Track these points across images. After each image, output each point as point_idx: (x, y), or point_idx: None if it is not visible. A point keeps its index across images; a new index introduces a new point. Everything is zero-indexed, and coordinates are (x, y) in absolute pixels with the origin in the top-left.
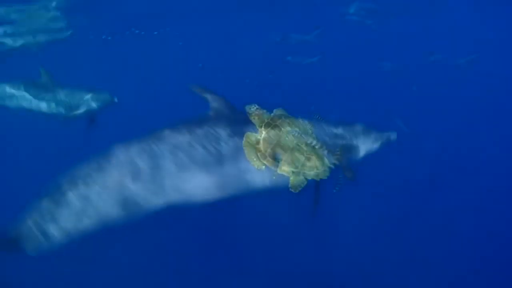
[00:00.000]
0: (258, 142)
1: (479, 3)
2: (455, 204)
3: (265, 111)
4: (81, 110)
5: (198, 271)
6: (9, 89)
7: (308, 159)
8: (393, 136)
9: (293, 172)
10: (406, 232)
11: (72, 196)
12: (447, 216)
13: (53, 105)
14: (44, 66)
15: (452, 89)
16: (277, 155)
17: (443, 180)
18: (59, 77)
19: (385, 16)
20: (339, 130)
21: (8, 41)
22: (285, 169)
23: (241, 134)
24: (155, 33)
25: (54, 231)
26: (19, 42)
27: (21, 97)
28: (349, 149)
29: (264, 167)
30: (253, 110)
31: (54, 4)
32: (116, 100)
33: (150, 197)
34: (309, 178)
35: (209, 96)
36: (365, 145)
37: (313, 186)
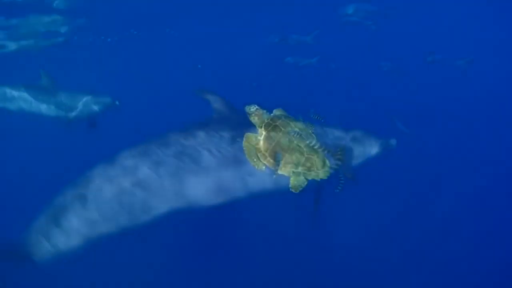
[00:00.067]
0: (258, 142)
1: (479, 4)
2: (453, 205)
3: (265, 111)
4: (82, 113)
5: (203, 272)
6: (10, 92)
7: (309, 159)
8: (392, 142)
9: (293, 172)
10: (406, 232)
11: (79, 204)
12: (445, 217)
13: (53, 107)
14: (45, 68)
15: (450, 90)
16: (277, 155)
17: (442, 180)
18: (60, 79)
19: (384, 17)
20: (338, 135)
21: (9, 44)
22: (285, 169)
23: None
24: (155, 33)
25: (62, 239)
26: (19, 44)
27: (22, 99)
28: (349, 150)
29: (264, 167)
30: (253, 110)
31: (54, 5)
32: (117, 103)
33: (156, 202)
34: (310, 178)
35: (212, 98)
36: (364, 151)
37: (314, 187)
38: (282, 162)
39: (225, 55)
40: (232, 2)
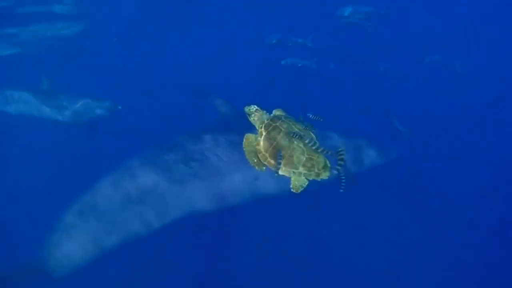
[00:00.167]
0: (258, 143)
1: (478, 4)
2: (452, 205)
3: (264, 111)
4: (84, 118)
5: (212, 274)
6: (11, 95)
7: (310, 159)
8: (393, 154)
9: (294, 173)
10: (405, 233)
11: (90, 214)
12: (443, 217)
13: (55, 112)
14: (47, 71)
15: (447, 90)
16: (277, 156)
17: (440, 180)
18: (61, 83)
19: (381, 18)
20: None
21: (10, 46)
22: (286, 170)
23: None
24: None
25: (75, 251)
26: (20, 48)
27: (23, 103)
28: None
29: (264, 168)
30: (253, 110)
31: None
32: (119, 107)
33: (166, 208)
34: (311, 178)
35: (216, 101)
36: (366, 160)
37: (315, 188)
38: (283, 163)
39: (223, 56)
40: (230, 3)
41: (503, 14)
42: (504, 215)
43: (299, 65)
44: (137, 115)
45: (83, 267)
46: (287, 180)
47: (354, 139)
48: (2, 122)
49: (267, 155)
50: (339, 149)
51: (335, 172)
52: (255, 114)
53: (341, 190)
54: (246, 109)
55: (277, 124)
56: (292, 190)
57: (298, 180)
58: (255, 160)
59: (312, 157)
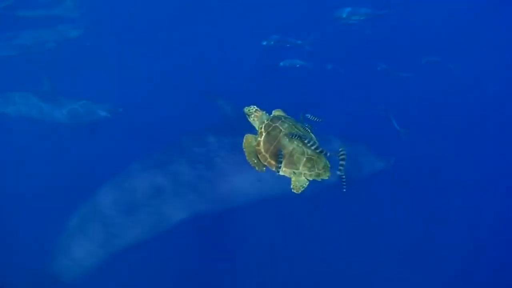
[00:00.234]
0: (258, 143)
1: (476, 5)
2: (450, 205)
3: (264, 112)
4: (85, 119)
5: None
6: (12, 97)
7: (310, 159)
8: (391, 161)
9: (294, 173)
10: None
11: (97, 218)
12: (441, 217)
13: (56, 113)
14: (48, 73)
15: (444, 91)
16: (278, 156)
17: (438, 180)
18: (62, 85)
19: (379, 19)
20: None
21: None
22: (286, 170)
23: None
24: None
25: (83, 255)
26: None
27: (24, 105)
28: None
29: (264, 169)
30: (252, 111)
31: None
32: (120, 110)
33: (173, 210)
34: (311, 179)
35: (221, 102)
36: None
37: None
38: (283, 163)
39: (223, 57)
40: (227, 5)
41: (501, 14)
42: (504, 214)
43: (297, 66)
44: (139, 117)
45: (89, 269)
46: (287, 180)
47: (352, 141)
48: (4, 124)
49: (267, 155)
50: (340, 149)
51: (338, 172)
52: (255, 115)
53: (344, 190)
54: (246, 109)
55: (277, 124)
56: (292, 190)
57: (298, 181)
58: (255, 161)
59: (313, 157)
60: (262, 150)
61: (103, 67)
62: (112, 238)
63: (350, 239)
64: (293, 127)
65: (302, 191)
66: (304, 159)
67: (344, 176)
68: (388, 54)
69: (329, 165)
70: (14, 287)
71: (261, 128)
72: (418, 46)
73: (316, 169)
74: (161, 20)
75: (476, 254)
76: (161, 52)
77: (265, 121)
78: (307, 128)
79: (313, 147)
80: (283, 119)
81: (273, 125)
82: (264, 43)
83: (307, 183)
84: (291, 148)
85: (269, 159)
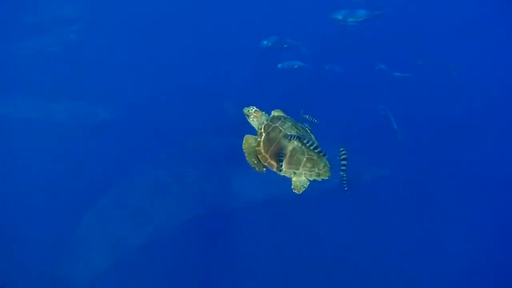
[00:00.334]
0: (258, 144)
1: (475, 6)
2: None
3: (263, 112)
4: (88, 121)
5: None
6: (15, 99)
7: (310, 159)
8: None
9: (294, 173)
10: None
11: (104, 221)
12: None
13: (59, 115)
14: (51, 76)
15: (442, 91)
16: (278, 157)
17: (439, 179)
18: (65, 86)
19: (376, 20)
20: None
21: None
22: (286, 170)
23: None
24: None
25: (84, 255)
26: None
27: (27, 107)
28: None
29: (265, 170)
30: (252, 111)
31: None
32: (122, 111)
33: (174, 210)
34: (311, 179)
35: (222, 103)
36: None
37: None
38: (283, 164)
39: (222, 58)
40: (226, 6)
41: (500, 15)
42: (504, 214)
43: (295, 66)
44: (139, 118)
45: (89, 269)
46: (288, 180)
47: (351, 141)
48: (4, 125)
49: (267, 156)
50: (341, 149)
51: (341, 173)
52: (254, 115)
53: (345, 188)
54: (245, 110)
55: (277, 124)
56: (293, 190)
57: (299, 181)
58: (255, 162)
59: (313, 157)
60: (262, 151)
61: (103, 69)
62: (113, 238)
63: (350, 239)
64: (293, 127)
65: (303, 192)
66: (304, 159)
67: (345, 176)
68: (386, 54)
69: (329, 165)
70: (14, 287)
71: (260, 128)
72: (416, 46)
73: (317, 169)
74: (160, 22)
75: (477, 254)
76: (161, 53)
77: (265, 121)
78: (306, 129)
79: (312, 147)
80: (282, 119)
81: (273, 125)
82: (265, 42)
83: (307, 183)
84: (291, 148)
85: (269, 160)
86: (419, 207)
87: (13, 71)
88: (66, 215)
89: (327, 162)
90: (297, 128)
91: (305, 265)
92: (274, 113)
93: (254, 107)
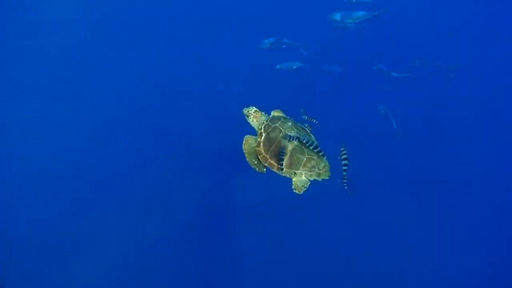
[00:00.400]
0: (258, 144)
1: (473, 6)
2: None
3: (263, 112)
4: (92, 121)
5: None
6: (17, 99)
7: (310, 159)
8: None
9: (295, 173)
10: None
11: (100, 218)
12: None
13: (62, 115)
14: (55, 76)
15: (440, 91)
16: (278, 157)
17: (438, 179)
18: (67, 87)
19: (374, 21)
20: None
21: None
22: (287, 171)
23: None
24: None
25: (85, 255)
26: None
27: (30, 107)
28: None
29: (265, 170)
30: (251, 112)
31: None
32: (125, 113)
33: (174, 211)
34: (312, 179)
35: (227, 104)
36: None
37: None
38: (283, 164)
39: (219, 58)
40: (225, 7)
41: (499, 16)
42: (504, 215)
43: (294, 67)
44: (139, 118)
45: (90, 270)
46: (288, 181)
47: (351, 141)
48: (6, 125)
49: (267, 156)
50: (342, 149)
51: (344, 173)
52: (254, 115)
53: (345, 187)
54: (245, 110)
55: (277, 125)
56: (294, 190)
57: (300, 181)
58: (255, 162)
59: (313, 158)
60: (263, 151)
61: (103, 69)
62: (113, 238)
63: (350, 239)
64: (293, 127)
65: (304, 192)
66: (305, 159)
67: (346, 176)
68: (384, 55)
69: (329, 165)
70: (14, 287)
71: (260, 129)
72: (414, 47)
73: (317, 169)
74: (160, 22)
75: (476, 254)
76: (161, 54)
77: (265, 121)
78: (306, 129)
79: (312, 147)
80: (282, 119)
81: (273, 125)
82: (265, 41)
83: (308, 184)
84: (291, 148)
85: (270, 160)
86: (418, 207)
87: (13, 71)
88: (66, 215)
89: (327, 162)
90: (297, 128)
91: (305, 265)
92: (274, 113)
93: (254, 107)
